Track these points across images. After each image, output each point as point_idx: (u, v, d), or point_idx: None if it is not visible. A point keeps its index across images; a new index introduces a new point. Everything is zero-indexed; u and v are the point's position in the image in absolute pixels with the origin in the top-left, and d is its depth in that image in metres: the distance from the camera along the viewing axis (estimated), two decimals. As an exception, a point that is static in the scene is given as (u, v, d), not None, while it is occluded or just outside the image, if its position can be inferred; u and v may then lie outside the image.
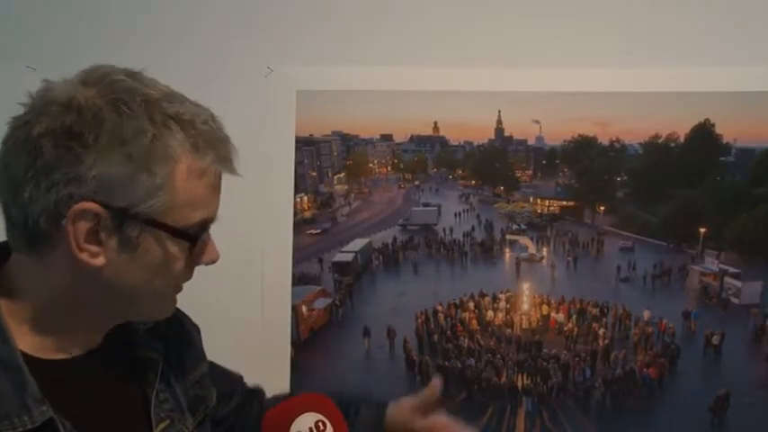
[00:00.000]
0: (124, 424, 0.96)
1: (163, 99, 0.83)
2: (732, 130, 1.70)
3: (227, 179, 0.93)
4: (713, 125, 1.70)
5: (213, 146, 0.85)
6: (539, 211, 1.84)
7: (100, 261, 0.83)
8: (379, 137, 1.88)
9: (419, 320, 1.81)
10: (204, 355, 1.17)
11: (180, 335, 1.11)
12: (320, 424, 1.04)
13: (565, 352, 1.78)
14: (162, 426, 0.99)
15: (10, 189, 0.82)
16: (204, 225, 0.88)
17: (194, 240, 0.87)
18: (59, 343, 0.90)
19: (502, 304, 1.80)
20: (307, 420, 1.04)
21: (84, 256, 0.83)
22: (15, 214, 0.83)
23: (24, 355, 0.85)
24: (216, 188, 0.88)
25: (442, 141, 1.86)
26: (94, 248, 0.83)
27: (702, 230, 1.73)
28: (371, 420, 1.24)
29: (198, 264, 0.91)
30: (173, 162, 0.82)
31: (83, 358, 0.92)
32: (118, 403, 0.96)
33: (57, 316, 0.88)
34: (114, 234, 0.83)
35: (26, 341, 0.86)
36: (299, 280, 1.80)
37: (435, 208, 1.88)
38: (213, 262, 0.92)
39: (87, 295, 0.88)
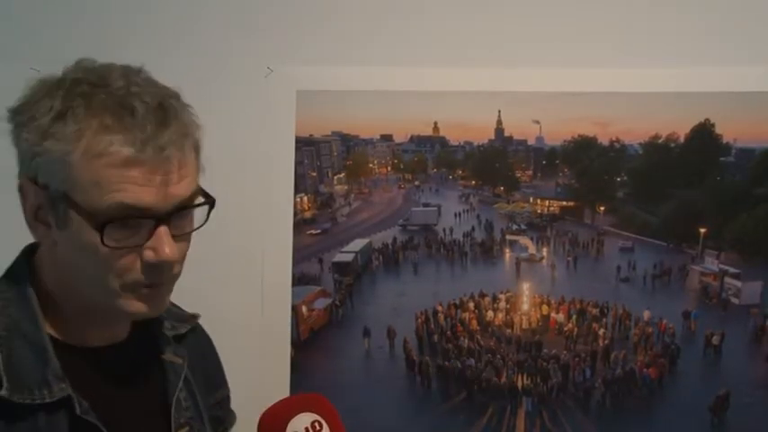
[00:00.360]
0: (143, 419, 0.97)
1: (100, 83, 0.84)
2: (732, 131, 1.70)
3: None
4: (713, 125, 1.70)
5: (126, 127, 0.81)
6: (539, 211, 1.84)
7: (48, 240, 0.88)
8: (379, 137, 1.88)
9: (419, 321, 1.81)
10: (227, 383, 1.21)
11: (207, 354, 1.15)
12: (316, 424, 1.03)
13: (565, 352, 1.78)
14: (182, 431, 1.00)
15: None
16: (124, 214, 0.82)
17: (101, 226, 0.81)
18: (81, 332, 0.93)
19: (502, 304, 1.80)
20: (303, 420, 1.03)
21: (36, 235, 0.89)
22: None
23: (53, 339, 0.90)
24: (129, 173, 0.81)
25: (442, 141, 1.86)
26: (43, 227, 0.87)
27: (702, 230, 1.73)
28: None
29: (146, 261, 0.85)
30: (73, 139, 0.80)
31: (107, 350, 0.95)
32: (138, 398, 0.98)
33: (66, 303, 0.92)
34: (51, 212, 0.85)
35: (52, 325, 0.91)
36: (298, 280, 1.80)
37: (435, 208, 1.88)
38: (164, 262, 0.85)
39: (62, 278, 0.91)
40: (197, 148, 0.90)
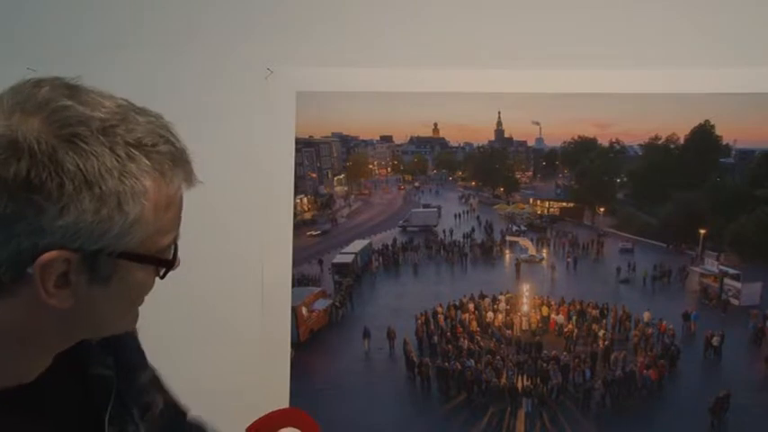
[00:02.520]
0: None
1: (117, 123, 0.75)
2: (732, 132, 1.70)
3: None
4: (713, 126, 1.70)
5: (178, 166, 0.80)
6: (539, 212, 1.84)
7: (69, 303, 0.77)
8: (378, 138, 1.88)
9: (419, 322, 1.81)
10: (148, 363, 1.11)
11: (123, 343, 1.03)
12: None
13: (565, 353, 1.78)
14: None
15: None
16: (172, 245, 0.84)
17: (170, 264, 0.83)
18: (6, 371, 0.82)
19: (502, 306, 1.80)
20: None
21: (53, 302, 0.76)
22: None
23: None
24: (181, 207, 0.83)
25: (442, 143, 1.86)
26: (64, 292, 0.76)
27: (702, 232, 1.73)
28: None
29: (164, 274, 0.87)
30: (143, 196, 0.75)
31: (32, 385, 0.84)
32: (71, 430, 0.91)
33: (4, 348, 0.81)
34: (85, 273, 0.77)
35: None
36: (298, 281, 1.80)
37: (435, 209, 1.88)
38: (176, 268, 0.87)
39: (46, 331, 0.81)
40: None
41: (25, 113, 0.72)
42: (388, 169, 1.91)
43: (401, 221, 1.87)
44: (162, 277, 0.85)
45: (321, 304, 1.83)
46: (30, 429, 0.84)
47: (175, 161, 0.79)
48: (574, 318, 1.78)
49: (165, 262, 0.83)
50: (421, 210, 1.88)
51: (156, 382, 1.13)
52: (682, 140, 1.72)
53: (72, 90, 0.76)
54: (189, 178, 0.82)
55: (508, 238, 1.83)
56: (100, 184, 0.72)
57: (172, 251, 0.84)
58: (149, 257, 0.80)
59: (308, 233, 1.84)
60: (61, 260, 0.74)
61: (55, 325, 0.81)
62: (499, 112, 1.75)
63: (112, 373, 0.96)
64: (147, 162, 0.75)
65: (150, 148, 0.76)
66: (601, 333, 1.77)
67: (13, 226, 0.71)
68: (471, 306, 1.81)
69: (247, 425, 1.24)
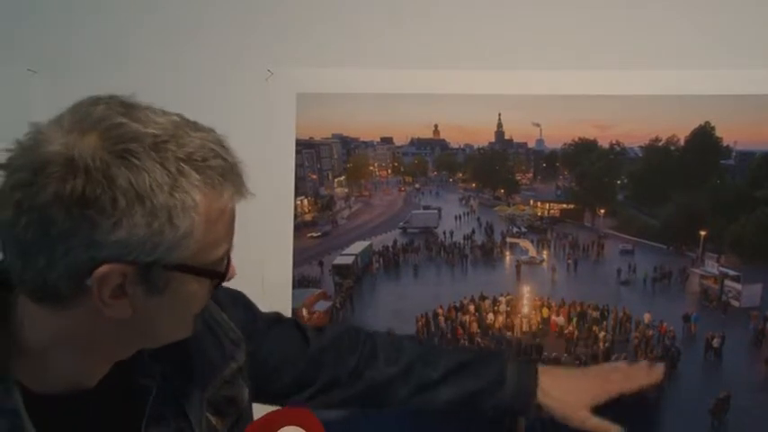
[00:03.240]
0: None
1: (169, 139, 0.77)
2: (732, 133, 1.70)
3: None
4: (713, 128, 1.70)
5: (228, 180, 0.81)
6: (539, 213, 1.84)
7: (127, 313, 0.80)
8: (379, 140, 1.88)
9: (419, 323, 1.81)
10: (241, 350, 1.11)
11: (199, 336, 1.03)
12: None
13: (565, 355, 1.78)
14: None
15: (20, 256, 0.76)
16: (226, 256, 0.86)
17: (222, 276, 0.86)
18: (61, 379, 0.87)
19: (502, 307, 1.80)
20: None
21: (110, 312, 0.79)
22: (30, 277, 0.77)
23: (23, 388, 0.83)
24: (233, 219, 0.85)
25: (443, 144, 1.86)
26: (121, 302, 0.79)
27: (703, 233, 1.73)
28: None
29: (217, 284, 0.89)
30: (193, 210, 0.77)
31: (83, 392, 0.89)
32: None
33: (63, 356, 0.85)
34: (141, 284, 0.79)
35: (26, 375, 0.84)
36: (299, 283, 1.80)
37: (436, 211, 1.88)
38: (230, 279, 0.90)
39: (106, 339, 0.85)
40: None
41: (82, 132, 0.75)
42: (389, 171, 1.91)
43: (401, 223, 1.87)
44: (216, 288, 0.87)
45: (322, 306, 1.83)
46: (104, 423, 0.89)
47: (225, 175, 0.80)
48: (574, 319, 1.78)
49: (217, 274, 0.84)
50: (421, 211, 1.88)
51: (243, 373, 1.11)
52: (682, 142, 1.72)
53: (127, 108, 0.79)
54: (240, 191, 0.83)
55: (508, 239, 1.83)
56: (151, 198, 0.74)
57: (225, 263, 0.86)
58: (202, 269, 0.82)
59: (309, 235, 1.84)
60: (117, 273, 0.76)
61: (114, 334, 0.84)
62: (499, 114, 1.75)
63: (153, 384, 0.97)
64: (197, 176, 0.77)
65: (201, 162, 0.78)
66: (601, 335, 1.77)
67: (70, 240, 0.73)
68: (472, 308, 1.81)
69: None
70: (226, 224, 0.83)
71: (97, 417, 0.89)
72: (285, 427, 1.05)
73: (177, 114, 0.82)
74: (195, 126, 0.82)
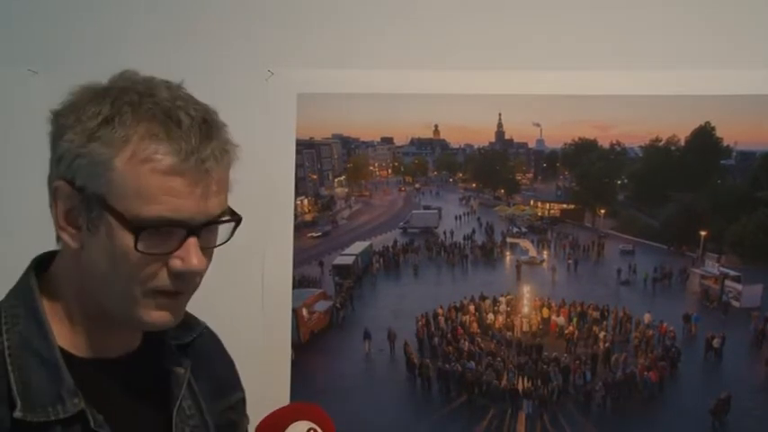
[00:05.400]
0: (151, 430, 0.98)
1: (145, 92, 0.85)
2: (732, 134, 1.70)
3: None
4: (714, 128, 1.70)
5: (172, 137, 0.83)
6: (539, 214, 1.84)
7: (76, 243, 0.87)
8: (379, 140, 1.88)
9: (419, 323, 1.81)
10: (241, 386, 1.18)
11: (215, 358, 1.14)
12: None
13: (565, 355, 1.78)
14: None
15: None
16: (161, 224, 0.83)
17: (136, 231, 0.83)
18: (93, 345, 0.94)
19: (502, 307, 1.80)
20: (299, 428, 1.04)
21: (64, 236, 0.88)
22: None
23: (62, 351, 0.90)
24: (171, 183, 0.83)
25: (443, 144, 1.86)
26: (72, 230, 0.87)
27: (703, 233, 1.73)
28: None
29: (173, 269, 0.87)
30: (119, 144, 0.82)
31: (116, 362, 0.96)
32: (146, 409, 0.98)
33: (81, 314, 0.92)
34: (81, 215, 0.86)
35: (65, 339, 0.91)
36: (299, 283, 1.80)
37: (436, 211, 1.88)
38: (190, 272, 0.87)
39: (83, 286, 0.91)
40: (231, 167, 0.93)
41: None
42: (389, 171, 1.91)
43: (402, 223, 1.87)
44: (137, 249, 0.84)
45: (322, 306, 1.83)
46: (123, 396, 0.95)
47: (169, 132, 0.83)
48: (574, 319, 1.78)
49: (130, 226, 0.83)
50: (421, 211, 1.88)
51: (244, 406, 1.19)
52: (682, 142, 1.72)
53: (167, 83, 0.90)
54: (185, 156, 0.83)
55: (509, 239, 1.83)
56: (86, 122, 0.84)
57: (151, 227, 0.83)
58: (122, 215, 0.83)
59: (309, 235, 1.84)
60: (63, 193, 0.86)
61: (80, 278, 0.90)
62: (500, 114, 1.75)
63: (185, 373, 1.02)
64: (132, 117, 0.83)
65: (148, 113, 0.83)
66: (601, 335, 1.77)
67: (51, 155, 0.89)
68: (472, 308, 1.81)
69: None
70: (154, 178, 0.82)
71: (128, 386, 0.96)
72: (297, 422, 1.05)
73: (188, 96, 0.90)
74: (187, 96, 0.89)
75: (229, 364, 1.18)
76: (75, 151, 0.83)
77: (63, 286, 0.93)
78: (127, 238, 0.83)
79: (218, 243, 0.93)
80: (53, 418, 0.85)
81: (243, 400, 1.19)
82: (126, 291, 0.87)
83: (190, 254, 0.86)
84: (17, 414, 0.83)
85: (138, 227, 0.83)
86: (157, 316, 0.90)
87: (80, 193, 0.85)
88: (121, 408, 0.93)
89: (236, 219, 0.94)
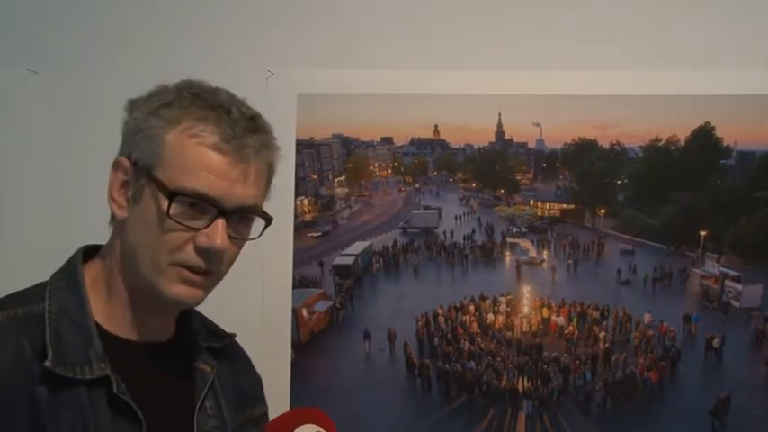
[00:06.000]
0: (171, 415, 1.00)
1: (208, 90, 0.96)
2: (732, 134, 1.70)
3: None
4: (713, 128, 1.70)
5: (220, 122, 0.92)
6: (539, 214, 1.84)
7: (123, 213, 0.95)
8: (379, 140, 1.88)
9: (419, 323, 1.81)
10: (265, 402, 1.21)
11: (242, 370, 1.17)
12: None
13: (565, 355, 1.78)
14: None
15: None
16: (195, 196, 0.90)
17: (171, 196, 0.90)
18: (127, 324, 0.99)
19: (502, 307, 1.80)
20: (307, 431, 1.05)
21: (113, 206, 0.96)
22: None
23: (98, 326, 0.95)
24: (211, 159, 0.91)
25: (443, 144, 1.86)
26: (123, 201, 0.95)
27: (703, 233, 1.73)
28: None
29: (198, 245, 0.92)
30: (173, 121, 0.91)
31: (146, 345, 1.00)
32: (168, 395, 1.01)
33: (118, 293, 0.98)
34: (132, 186, 0.94)
35: (101, 315, 0.97)
36: (299, 283, 1.80)
37: (436, 211, 1.88)
38: (214, 249, 0.92)
39: (123, 258, 0.97)
40: (271, 170, 1.02)
41: None
42: (389, 171, 1.91)
43: (402, 223, 1.87)
44: (169, 216, 0.90)
45: (322, 306, 1.83)
46: (149, 376, 0.99)
47: (218, 117, 0.92)
48: (574, 319, 1.78)
49: (167, 191, 0.90)
50: (421, 211, 1.88)
51: (266, 422, 1.21)
52: (682, 142, 1.72)
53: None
54: (229, 139, 0.92)
55: (509, 239, 1.83)
56: (149, 104, 0.94)
57: (185, 197, 0.90)
58: (163, 184, 0.91)
59: (309, 235, 1.84)
60: (123, 165, 0.95)
61: (121, 248, 0.97)
62: (500, 114, 1.75)
63: (212, 372, 1.07)
64: (191, 104, 0.93)
65: (203, 100, 0.93)
66: (601, 335, 1.77)
67: (124, 133, 0.98)
68: (472, 308, 1.81)
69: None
70: (199, 152, 0.91)
71: (155, 370, 1.00)
72: (303, 426, 1.06)
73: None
74: (243, 102, 1.00)
75: (256, 379, 1.21)
76: (137, 125, 0.93)
77: (105, 267, 0.99)
78: (162, 204, 0.90)
79: (249, 238, 1.00)
80: (79, 376, 0.90)
81: (265, 416, 1.20)
82: (154, 259, 0.93)
83: (216, 233, 0.92)
84: (47, 363, 0.88)
85: (174, 192, 0.90)
86: (179, 290, 0.94)
87: (133, 167, 0.94)
88: (147, 386, 0.97)
89: (267, 218, 1.02)
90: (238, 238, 0.97)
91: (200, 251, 0.93)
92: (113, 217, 0.98)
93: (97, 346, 0.93)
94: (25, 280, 0.99)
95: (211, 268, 0.95)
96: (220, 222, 0.92)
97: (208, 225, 0.92)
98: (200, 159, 0.91)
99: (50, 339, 0.90)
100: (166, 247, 0.92)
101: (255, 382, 1.21)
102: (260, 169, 0.97)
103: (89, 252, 1.03)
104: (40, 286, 0.97)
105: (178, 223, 0.91)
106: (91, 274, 1.00)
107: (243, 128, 0.93)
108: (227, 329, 1.19)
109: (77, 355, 0.91)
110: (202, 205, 0.91)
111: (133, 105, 0.97)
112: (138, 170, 0.93)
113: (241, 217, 0.97)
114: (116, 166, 0.96)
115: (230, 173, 0.92)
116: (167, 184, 0.90)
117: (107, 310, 0.98)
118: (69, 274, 0.98)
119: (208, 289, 0.98)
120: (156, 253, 0.92)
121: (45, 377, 0.89)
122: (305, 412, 1.10)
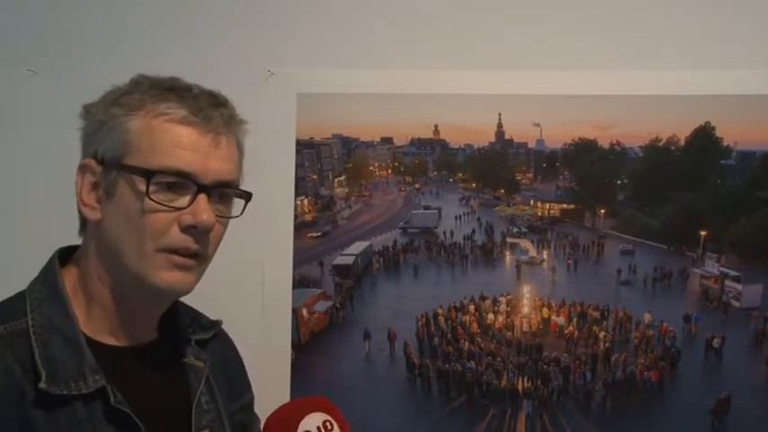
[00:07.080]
0: (167, 417, 0.99)
1: (165, 78, 0.94)
2: (732, 134, 1.70)
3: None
4: (713, 128, 1.70)
5: (183, 98, 0.92)
6: (539, 214, 1.84)
7: (96, 214, 0.93)
8: (379, 140, 1.88)
9: (419, 323, 1.81)
10: (250, 386, 1.21)
11: (230, 359, 1.17)
12: (328, 423, 1.06)
13: (565, 355, 1.78)
14: None
15: None
16: (171, 172, 0.90)
17: (148, 176, 0.88)
18: (112, 330, 0.97)
19: (502, 307, 1.80)
20: (314, 419, 1.05)
21: (85, 210, 0.94)
22: None
23: (84, 336, 0.93)
24: (181, 134, 0.91)
25: (443, 144, 1.86)
26: (94, 203, 0.93)
27: (703, 233, 1.73)
28: None
29: (184, 223, 0.91)
30: (135, 107, 0.91)
31: (135, 349, 0.99)
32: (163, 397, 1.00)
33: (99, 297, 0.96)
34: (103, 184, 0.92)
35: (88, 326, 0.95)
36: (299, 283, 1.80)
37: (436, 211, 1.88)
38: (201, 225, 0.91)
39: (103, 259, 0.95)
40: (240, 146, 0.99)
41: None
42: (389, 171, 1.91)
43: (402, 223, 1.87)
44: (149, 197, 0.89)
45: (322, 306, 1.82)
46: (142, 381, 0.98)
47: (179, 92, 0.92)
48: (574, 319, 1.78)
49: (143, 172, 0.89)
50: (421, 211, 1.88)
51: (252, 406, 1.22)
52: (682, 142, 1.72)
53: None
54: (194, 111, 0.92)
55: (509, 239, 1.83)
56: (107, 99, 0.94)
57: (161, 188, 0.90)
58: (132, 166, 0.90)
59: (309, 235, 1.84)
60: (88, 168, 0.93)
61: (98, 251, 0.95)
62: (500, 114, 1.75)
63: (205, 367, 1.06)
64: (149, 88, 0.92)
65: (160, 83, 0.93)
66: (601, 335, 1.77)
67: (85, 136, 0.97)
68: (472, 308, 1.81)
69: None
70: (170, 133, 0.91)
71: (147, 373, 0.99)
72: (311, 414, 1.06)
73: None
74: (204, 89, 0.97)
75: (241, 365, 1.21)
76: (98, 121, 0.92)
77: (81, 273, 0.97)
78: (140, 188, 0.89)
79: (231, 215, 0.99)
80: (75, 392, 0.88)
81: (251, 402, 1.21)
82: (139, 248, 0.91)
83: (200, 209, 0.91)
84: (41, 385, 0.86)
85: (150, 171, 0.89)
86: (169, 276, 0.92)
87: (100, 164, 0.92)
88: (142, 391, 0.95)
89: (246, 194, 0.99)
90: (221, 216, 0.95)
91: (187, 230, 0.91)
92: (83, 225, 0.97)
93: (89, 358, 0.91)
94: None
95: (199, 250, 0.93)
96: (202, 197, 0.91)
97: (190, 204, 0.91)
98: (170, 137, 0.90)
99: (41, 358, 0.88)
100: (150, 233, 0.90)
101: (241, 368, 1.21)
102: (229, 139, 0.96)
103: (63, 255, 1.00)
104: (19, 297, 0.94)
105: (159, 204, 0.89)
106: (70, 279, 0.97)
107: (206, 102, 0.93)
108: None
109: (70, 371, 0.89)
110: (181, 183, 0.90)
111: (89, 107, 0.96)
112: (107, 165, 0.91)
113: (221, 195, 0.95)
114: (82, 168, 0.94)
115: (202, 144, 0.91)
116: (142, 167, 0.89)
117: (90, 318, 0.96)
118: (49, 283, 0.96)
119: (198, 274, 0.96)
120: (141, 241, 0.90)
121: (39, 398, 0.87)
122: (309, 401, 1.09)
